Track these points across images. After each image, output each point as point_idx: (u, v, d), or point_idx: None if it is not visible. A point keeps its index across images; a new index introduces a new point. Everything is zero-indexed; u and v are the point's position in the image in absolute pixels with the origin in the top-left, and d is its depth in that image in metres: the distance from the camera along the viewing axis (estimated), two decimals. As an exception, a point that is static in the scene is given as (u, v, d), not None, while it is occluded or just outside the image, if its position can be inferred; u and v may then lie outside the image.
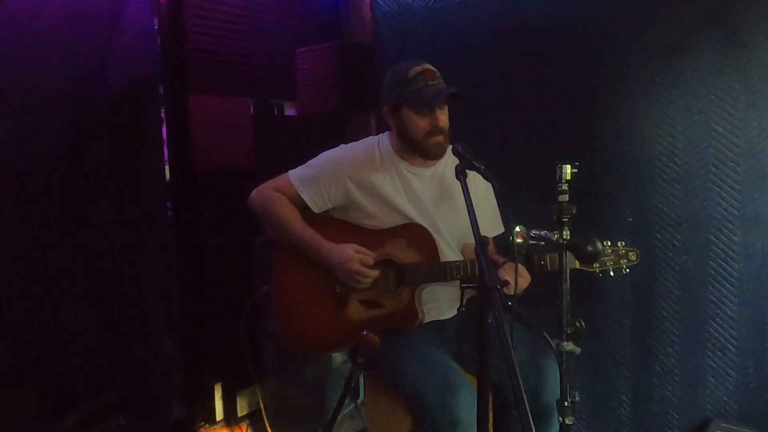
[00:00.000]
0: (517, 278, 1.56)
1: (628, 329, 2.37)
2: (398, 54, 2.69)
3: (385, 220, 1.99)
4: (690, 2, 2.16)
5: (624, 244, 1.88)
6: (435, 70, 1.93)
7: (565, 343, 1.64)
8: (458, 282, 1.92)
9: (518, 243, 1.60)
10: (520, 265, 1.70)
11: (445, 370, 1.83)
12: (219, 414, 2.81)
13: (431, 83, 1.90)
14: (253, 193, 2.06)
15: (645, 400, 2.37)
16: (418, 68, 1.91)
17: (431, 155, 1.98)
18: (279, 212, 2.01)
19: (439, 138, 1.94)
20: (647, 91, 2.24)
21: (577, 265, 1.81)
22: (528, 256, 1.85)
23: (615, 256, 1.86)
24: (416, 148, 1.98)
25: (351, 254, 1.92)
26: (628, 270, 1.89)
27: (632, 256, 1.88)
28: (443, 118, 1.94)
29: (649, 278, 2.30)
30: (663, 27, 2.20)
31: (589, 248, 1.60)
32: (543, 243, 1.71)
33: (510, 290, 1.62)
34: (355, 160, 2.02)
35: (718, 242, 2.20)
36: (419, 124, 1.93)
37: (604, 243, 1.80)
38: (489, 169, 1.62)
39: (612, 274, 1.87)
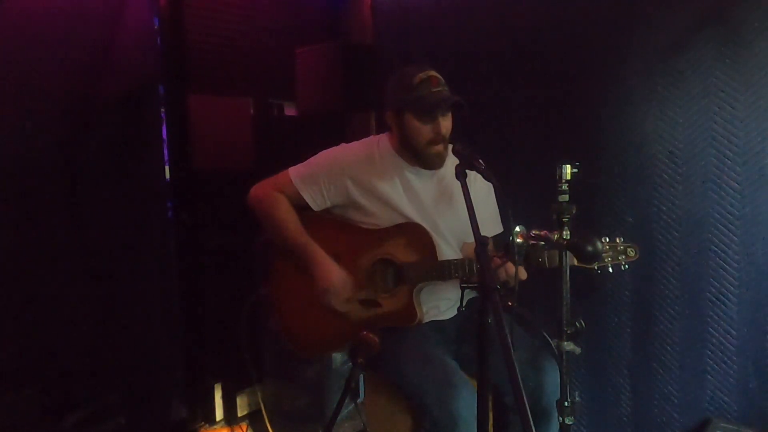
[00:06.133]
0: (517, 278, 1.56)
1: (628, 329, 2.37)
2: (398, 54, 2.68)
3: (385, 219, 1.98)
4: (690, 2, 2.16)
5: (622, 239, 1.85)
6: (440, 77, 1.91)
7: (565, 343, 1.64)
8: (458, 282, 1.92)
9: (518, 243, 1.60)
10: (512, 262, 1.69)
11: (445, 369, 1.83)
12: (219, 414, 2.81)
13: (435, 90, 1.88)
14: (253, 189, 2.05)
15: (645, 400, 2.37)
16: (422, 75, 1.89)
17: (431, 165, 1.97)
18: (276, 214, 2.01)
19: (440, 147, 1.92)
20: (647, 91, 2.24)
21: (575, 262, 1.80)
22: (527, 256, 1.84)
23: (613, 252, 1.83)
24: (417, 156, 1.97)
25: (336, 285, 1.94)
26: (627, 266, 1.86)
27: (631, 252, 1.84)
28: (446, 124, 1.92)
29: (649, 278, 2.29)
30: (663, 27, 2.20)
31: (590, 248, 1.60)
32: (543, 243, 1.70)
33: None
34: (355, 159, 2.02)
35: (718, 242, 2.19)
36: (421, 130, 1.91)
37: (603, 239, 1.79)
38: (489, 168, 1.62)
39: (611, 270, 1.85)
